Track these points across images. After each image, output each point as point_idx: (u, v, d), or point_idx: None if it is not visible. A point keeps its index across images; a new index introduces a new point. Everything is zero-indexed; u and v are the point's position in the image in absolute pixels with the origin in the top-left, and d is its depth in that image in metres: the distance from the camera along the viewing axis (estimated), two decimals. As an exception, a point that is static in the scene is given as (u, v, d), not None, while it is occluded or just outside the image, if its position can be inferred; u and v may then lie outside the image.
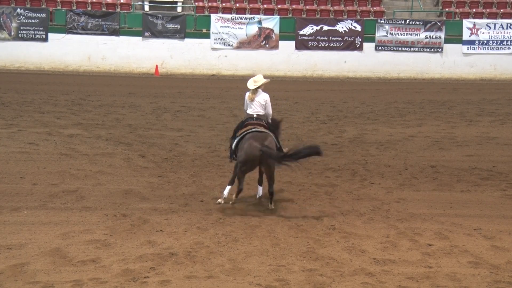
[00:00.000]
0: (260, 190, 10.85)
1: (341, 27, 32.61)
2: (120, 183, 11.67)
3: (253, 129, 10.22)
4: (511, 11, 34.46)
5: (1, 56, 31.81)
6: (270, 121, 10.75)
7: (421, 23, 32.63)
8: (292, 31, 32.56)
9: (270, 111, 10.59)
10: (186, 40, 32.32)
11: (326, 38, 32.60)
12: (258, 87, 10.53)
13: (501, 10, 34.34)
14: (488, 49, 32.82)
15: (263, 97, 10.50)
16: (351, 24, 32.69)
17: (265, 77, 10.91)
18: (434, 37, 32.54)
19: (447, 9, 34.43)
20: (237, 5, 33.75)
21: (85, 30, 31.88)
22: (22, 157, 13.34)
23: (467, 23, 32.71)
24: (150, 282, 7.33)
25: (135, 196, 10.85)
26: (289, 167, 10.22)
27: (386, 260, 8.18)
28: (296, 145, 11.02)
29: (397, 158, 14.44)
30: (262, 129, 10.24)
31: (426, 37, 32.54)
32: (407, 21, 32.72)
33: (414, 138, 16.70)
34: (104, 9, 33.03)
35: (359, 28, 32.65)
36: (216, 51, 32.39)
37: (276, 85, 25.16)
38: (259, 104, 10.48)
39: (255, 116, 10.46)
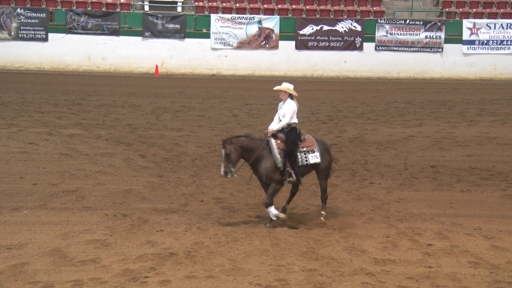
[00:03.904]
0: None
1: (341, 27, 32.58)
2: (120, 183, 11.67)
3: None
4: (511, 11, 34.42)
5: (1, 56, 31.77)
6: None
7: (421, 23, 32.60)
8: (292, 31, 32.53)
9: (287, 119, 10.02)
10: (186, 40, 32.28)
11: (326, 38, 32.57)
12: (290, 95, 10.31)
13: (501, 10, 34.31)
14: (488, 49, 32.79)
15: (286, 105, 10.19)
16: (351, 24, 32.66)
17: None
18: (434, 37, 32.52)
19: (447, 9, 34.40)
20: (237, 5, 33.72)
21: (85, 30, 31.85)
22: (22, 157, 13.34)
23: (467, 23, 32.68)
24: (150, 282, 7.33)
25: (135, 196, 10.85)
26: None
27: (386, 260, 8.19)
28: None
29: (397, 158, 14.44)
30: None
31: (426, 37, 32.51)
32: (407, 21, 32.68)
33: (414, 138, 16.69)
34: (104, 9, 32.99)
35: (359, 28, 32.62)
36: (216, 51, 32.36)
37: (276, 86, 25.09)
38: (282, 112, 10.17)
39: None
